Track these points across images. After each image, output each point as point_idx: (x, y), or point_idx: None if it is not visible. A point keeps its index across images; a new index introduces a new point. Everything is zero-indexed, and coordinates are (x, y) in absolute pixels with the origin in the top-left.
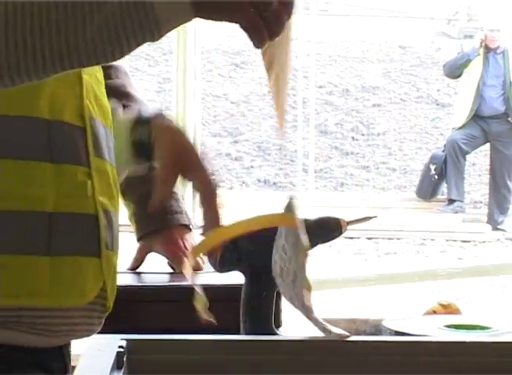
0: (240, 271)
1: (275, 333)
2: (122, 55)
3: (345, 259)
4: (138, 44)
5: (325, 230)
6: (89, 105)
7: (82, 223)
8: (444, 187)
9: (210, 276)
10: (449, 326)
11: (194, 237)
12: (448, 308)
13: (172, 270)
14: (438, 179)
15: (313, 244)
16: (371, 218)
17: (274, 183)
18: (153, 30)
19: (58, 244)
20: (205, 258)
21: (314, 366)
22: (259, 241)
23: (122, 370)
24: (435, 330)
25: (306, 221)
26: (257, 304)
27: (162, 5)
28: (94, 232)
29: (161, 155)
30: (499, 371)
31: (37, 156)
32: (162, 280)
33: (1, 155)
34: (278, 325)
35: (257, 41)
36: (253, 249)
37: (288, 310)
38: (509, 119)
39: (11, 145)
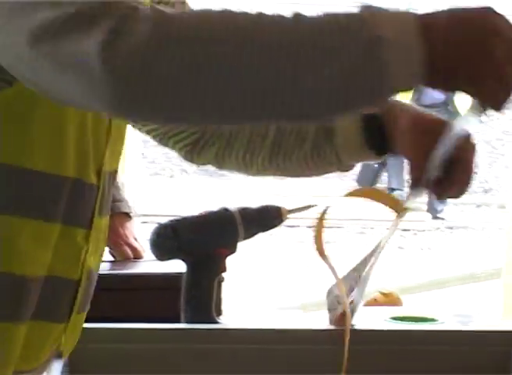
0: (181, 259)
1: (216, 322)
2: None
3: (286, 248)
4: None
5: (266, 218)
6: (106, 161)
7: (64, 289)
8: (384, 176)
9: (150, 265)
10: (394, 319)
11: (135, 225)
12: (389, 297)
13: (112, 258)
14: (378, 168)
15: (253, 233)
16: (312, 206)
17: (214, 172)
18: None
19: (35, 309)
20: (146, 246)
21: (254, 355)
22: (199, 229)
23: (62, 359)
24: (381, 323)
25: (246, 210)
26: (197, 292)
27: (398, 65)
28: (71, 298)
29: (406, 140)
30: (442, 359)
31: (51, 216)
32: (103, 268)
33: (14, 212)
34: (218, 313)
35: (498, 105)
36: (193, 237)
37: (229, 298)
38: (448, 107)
39: (26, 202)
